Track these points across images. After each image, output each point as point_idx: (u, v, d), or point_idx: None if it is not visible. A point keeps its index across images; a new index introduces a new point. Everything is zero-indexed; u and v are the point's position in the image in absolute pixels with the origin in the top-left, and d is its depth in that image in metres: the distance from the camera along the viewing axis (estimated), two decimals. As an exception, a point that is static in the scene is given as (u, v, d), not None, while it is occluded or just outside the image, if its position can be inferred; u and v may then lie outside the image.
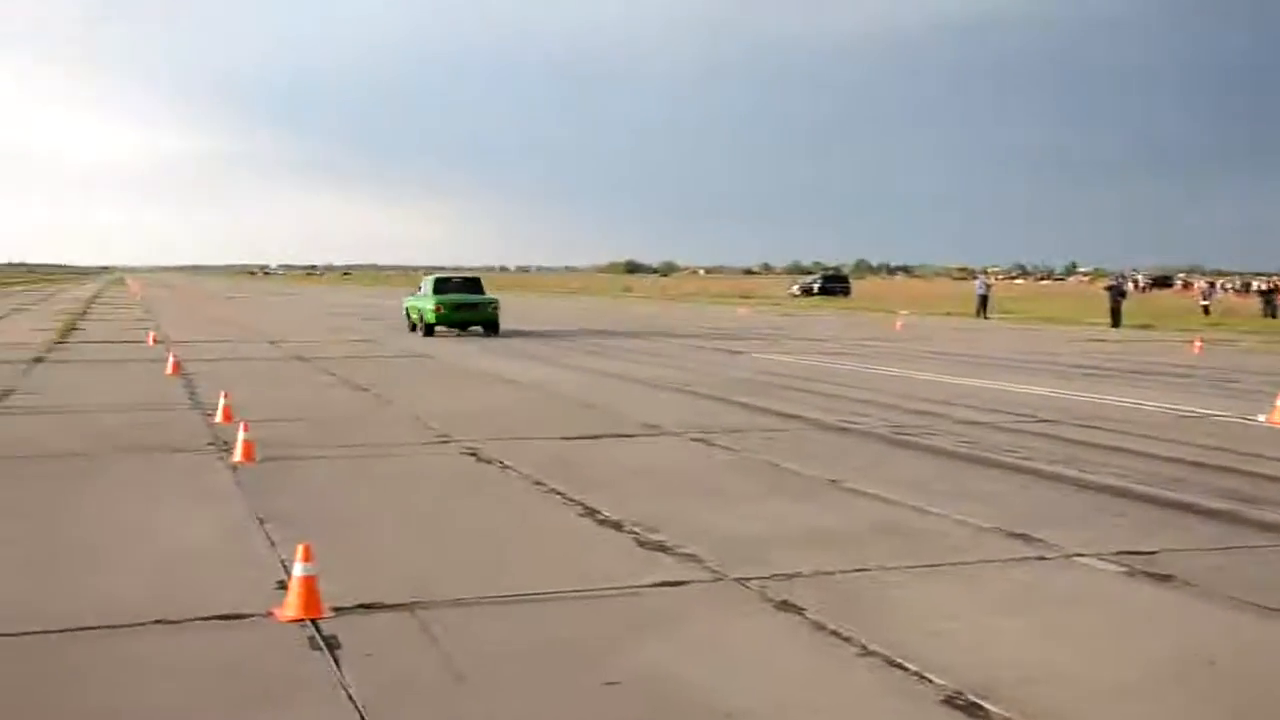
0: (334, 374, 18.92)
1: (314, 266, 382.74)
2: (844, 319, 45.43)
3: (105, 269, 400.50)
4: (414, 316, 30.62)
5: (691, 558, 7.04)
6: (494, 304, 30.11)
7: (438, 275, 30.91)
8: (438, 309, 29.09)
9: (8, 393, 15.53)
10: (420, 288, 30.64)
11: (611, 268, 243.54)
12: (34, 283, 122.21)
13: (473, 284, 31.04)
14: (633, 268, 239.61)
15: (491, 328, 29.64)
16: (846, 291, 77.96)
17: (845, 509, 8.56)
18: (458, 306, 29.52)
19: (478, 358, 22.75)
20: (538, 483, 9.46)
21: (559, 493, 9.04)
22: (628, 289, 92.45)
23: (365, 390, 16.45)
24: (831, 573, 6.72)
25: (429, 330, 29.10)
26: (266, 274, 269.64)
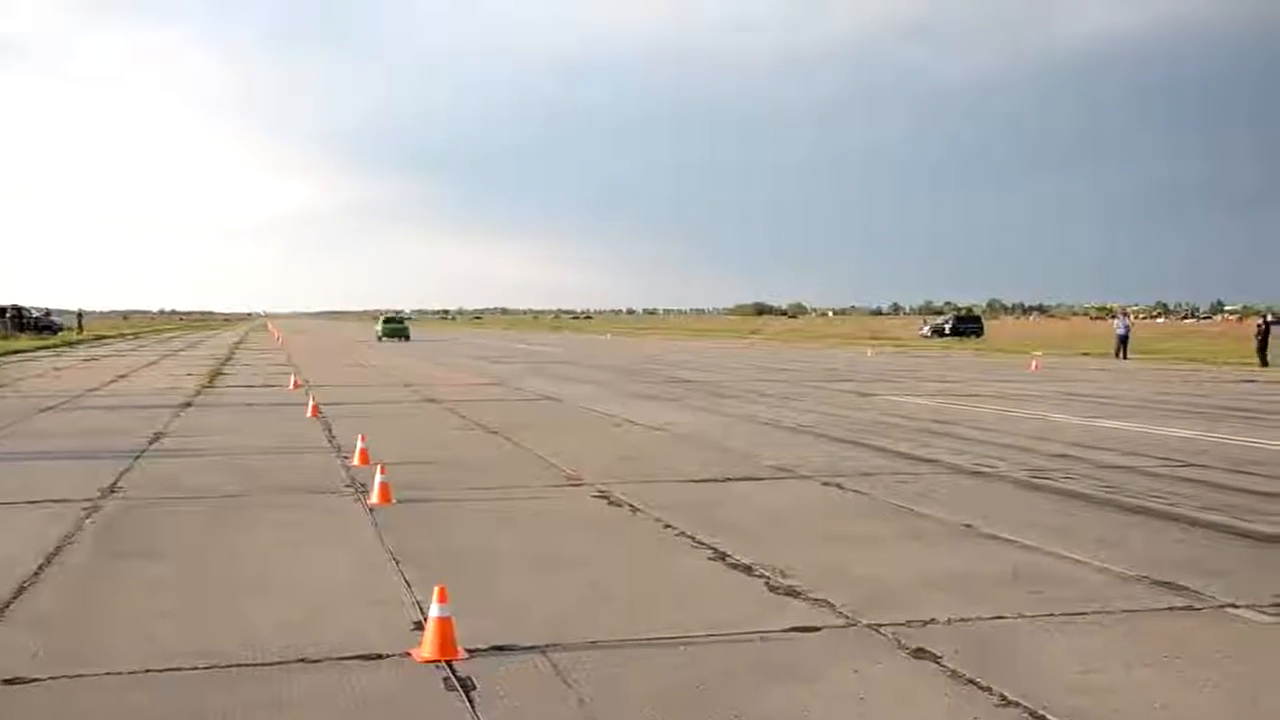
0: (465, 416, 19.25)
1: (446, 311, 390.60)
2: (977, 360, 44.55)
3: (249, 315, 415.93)
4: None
5: (823, 602, 6.96)
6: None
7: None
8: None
9: (159, 436, 16.19)
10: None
11: (739, 310, 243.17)
12: (182, 329, 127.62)
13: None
14: (761, 310, 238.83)
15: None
16: (979, 332, 76.48)
17: (981, 554, 8.36)
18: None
19: (606, 401, 22.92)
20: (668, 525, 9.47)
21: (689, 536, 9.04)
22: (755, 331, 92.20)
23: (496, 433, 16.69)
24: (968, 619, 6.56)
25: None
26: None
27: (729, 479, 12.15)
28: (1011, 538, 8.93)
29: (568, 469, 12.83)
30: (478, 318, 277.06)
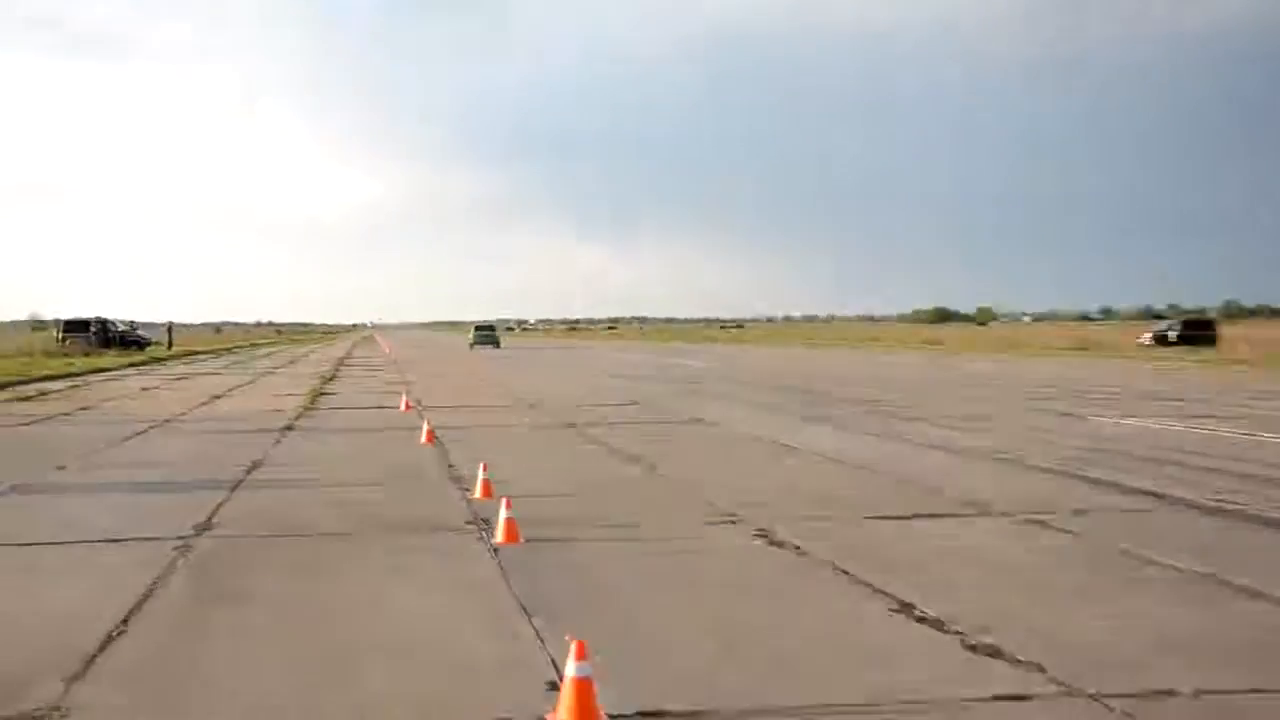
0: (602, 442, 19.36)
1: (576, 321, 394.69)
2: (1211, 374, 43.02)
3: (353, 327, 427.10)
4: None
5: (1033, 665, 6.76)
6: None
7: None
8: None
9: (257, 464, 16.68)
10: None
11: (918, 316, 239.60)
12: (280, 343, 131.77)
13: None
14: (943, 315, 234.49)
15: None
16: (1212, 340, 73.93)
17: (1228, 610, 8.02)
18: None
19: (765, 424, 22.81)
20: (840, 570, 9.35)
21: (866, 583, 8.91)
22: (935, 341, 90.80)
23: (637, 460, 16.74)
24: (1216, 692, 6.28)
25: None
26: (524, 329, 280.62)
27: (913, 516, 11.95)
28: (1265, 590, 8.55)
29: (722, 503, 12.78)
30: (611, 327, 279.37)
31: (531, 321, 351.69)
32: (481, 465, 14.14)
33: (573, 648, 5.93)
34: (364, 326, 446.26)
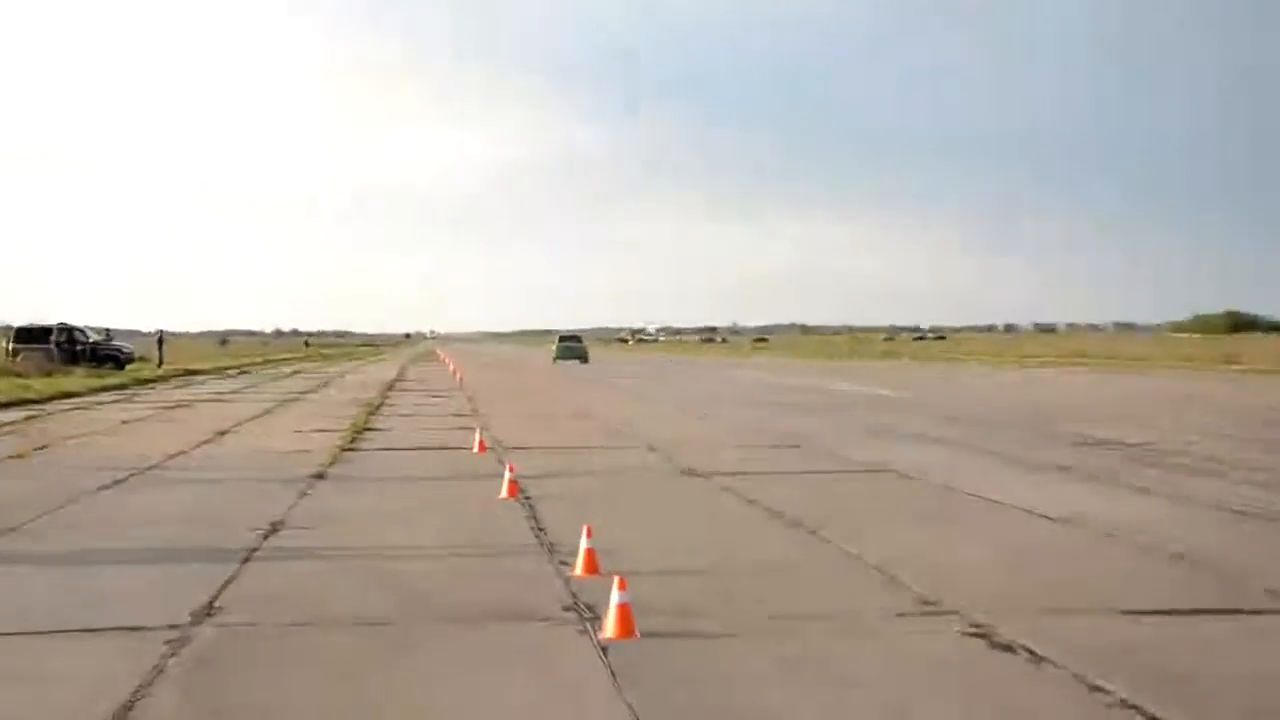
0: (749, 499, 19.24)
1: (712, 329, 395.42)
2: None
3: (407, 337, 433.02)
4: None
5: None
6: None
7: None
8: None
9: (276, 527, 16.81)
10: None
11: (1201, 323, 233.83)
12: (308, 358, 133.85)
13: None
14: (1238, 323, 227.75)
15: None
16: None
17: None
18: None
19: (971, 473, 22.56)
20: (1096, 688, 9.17)
21: (1136, 707, 8.73)
22: (1230, 359, 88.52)
23: (796, 524, 16.60)
24: None
25: None
26: (640, 340, 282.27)
27: (1196, 612, 11.65)
28: None
29: (918, 586, 12.59)
30: (761, 339, 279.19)
31: (650, 330, 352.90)
32: (584, 530, 14.10)
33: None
34: (421, 336, 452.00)
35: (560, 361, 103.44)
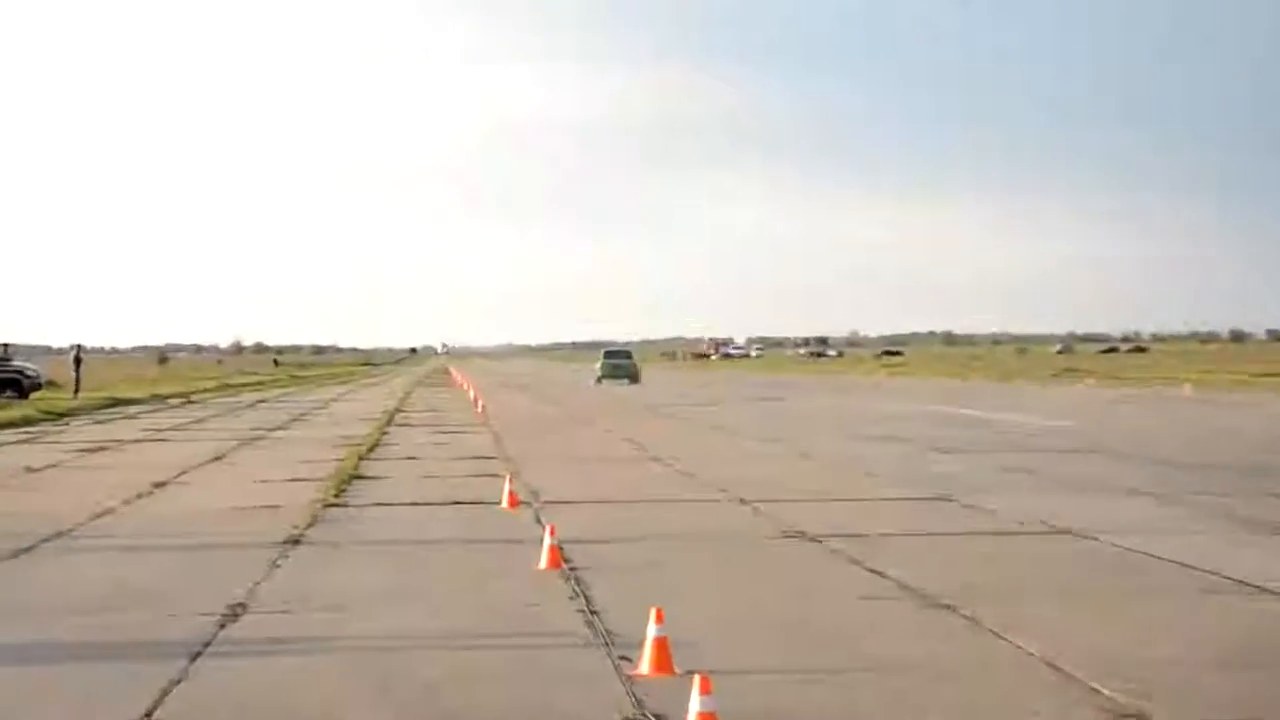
0: (878, 570, 19.19)
1: (823, 341, 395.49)
2: None
3: (413, 353, 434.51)
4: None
5: None
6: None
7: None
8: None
9: (237, 611, 16.78)
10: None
11: None
12: (279, 382, 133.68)
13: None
14: None
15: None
16: None
17: None
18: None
19: (1176, 535, 22.46)
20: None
21: None
22: None
23: (950, 608, 16.53)
24: None
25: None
26: (726, 354, 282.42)
27: None
28: None
29: (1120, 694, 12.56)
30: (892, 352, 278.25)
31: (740, 344, 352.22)
32: (652, 613, 14.07)
33: None
34: (429, 352, 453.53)
35: (606, 382, 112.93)
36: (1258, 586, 17.71)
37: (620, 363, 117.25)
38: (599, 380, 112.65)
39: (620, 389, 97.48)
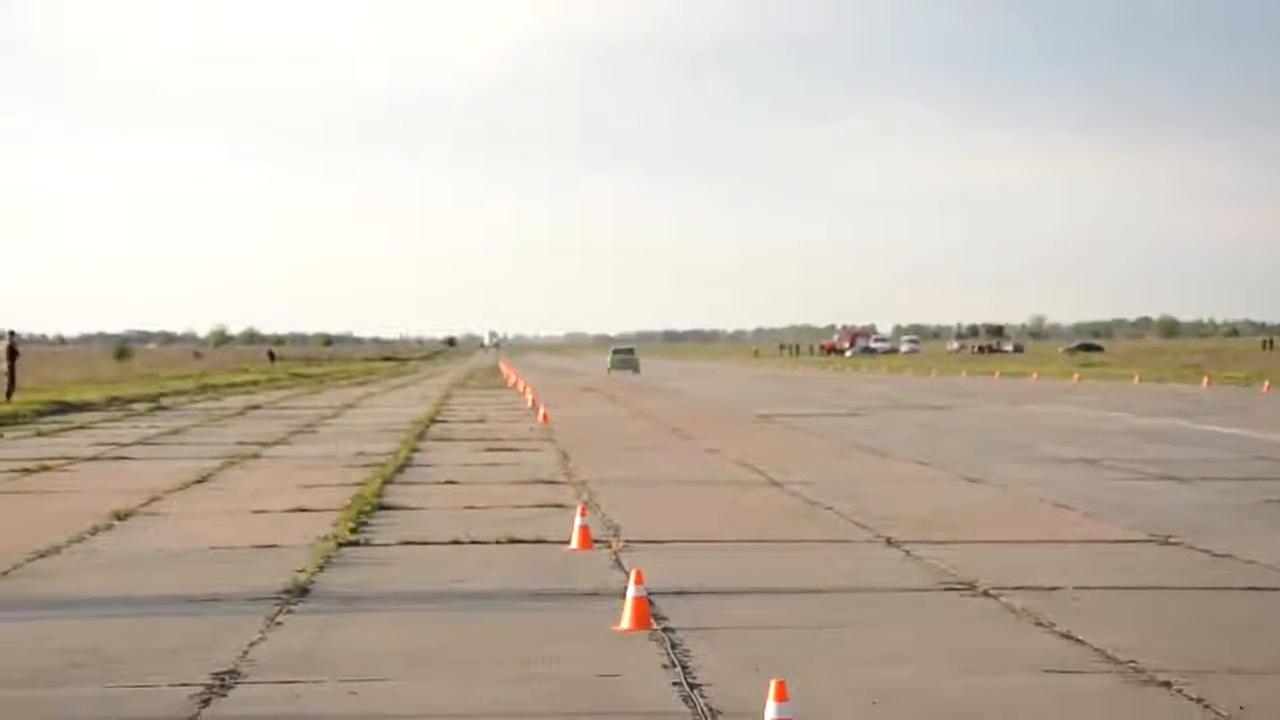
0: (1063, 632, 19.19)
1: (998, 331, 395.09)
2: None
3: (452, 344, 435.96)
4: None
5: None
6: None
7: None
8: None
9: (226, 682, 16.85)
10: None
11: None
12: (278, 381, 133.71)
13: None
14: None
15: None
16: None
17: None
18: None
19: None
20: None
21: None
22: None
23: (1173, 689, 16.51)
24: None
25: None
26: (867, 350, 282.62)
27: None
28: None
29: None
30: (1091, 346, 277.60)
31: (879, 335, 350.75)
32: (772, 687, 14.12)
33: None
34: (474, 344, 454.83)
35: (614, 372, 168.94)
36: None
37: (625, 357, 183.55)
38: (609, 370, 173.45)
39: (730, 392, 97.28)
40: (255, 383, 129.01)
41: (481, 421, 68.75)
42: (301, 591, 22.79)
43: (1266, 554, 25.82)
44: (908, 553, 26.17)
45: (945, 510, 32.46)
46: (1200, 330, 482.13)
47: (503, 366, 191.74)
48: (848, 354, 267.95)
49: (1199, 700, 15.88)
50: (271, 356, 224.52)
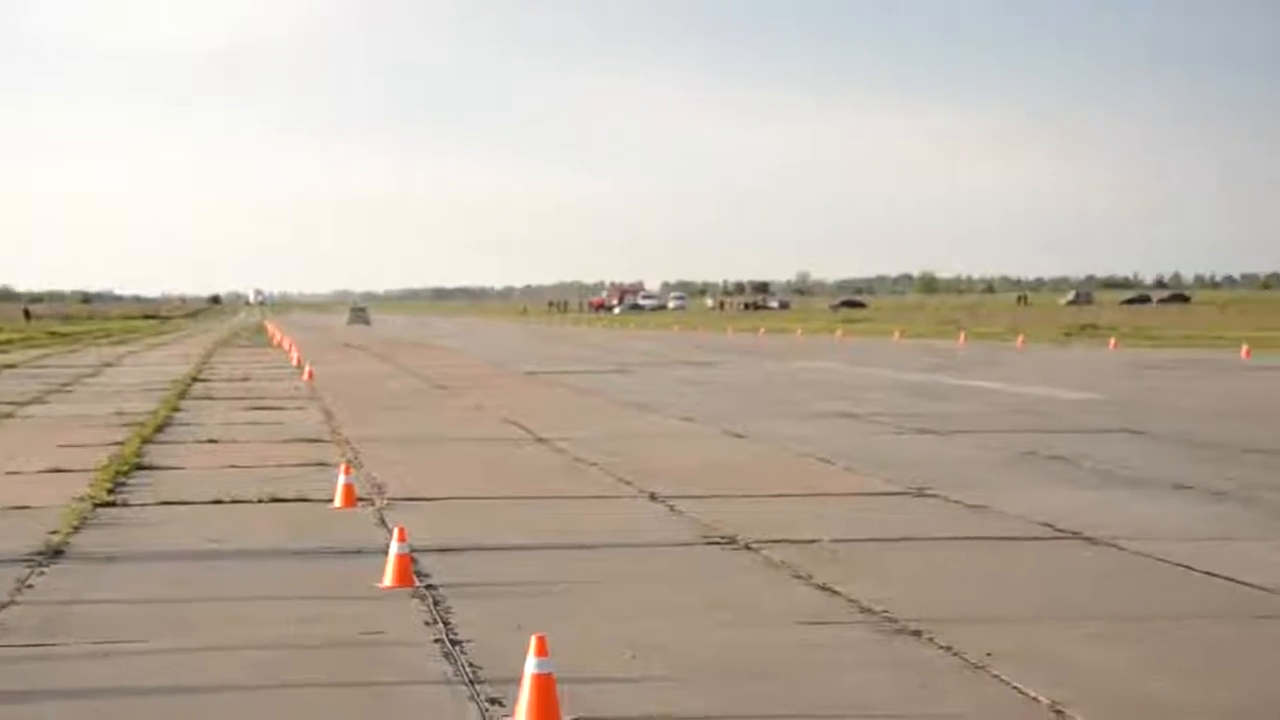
0: (823, 584, 19.37)
1: (762, 289, 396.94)
2: None
3: (216, 301, 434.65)
4: None
5: None
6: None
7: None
8: None
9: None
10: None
11: None
12: (32, 339, 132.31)
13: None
14: None
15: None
16: None
17: None
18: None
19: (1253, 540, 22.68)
20: None
21: None
22: None
23: (924, 637, 16.71)
24: None
25: None
26: (635, 306, 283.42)
27: None
28: None
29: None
30: (854, 303, 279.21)
31: (656, 296, 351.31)
32: (533, 642, 14.19)
33: None
34: (239, 302, 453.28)
35: (351, 325, 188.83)
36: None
37: (359, 313, 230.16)
38: (347, 324, 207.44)
39: (498, 349, 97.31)
40: (10, 342, 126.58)
41: (245, 380, 68.60)
42: (54, 553, 22.60)
43: (1019, 505, 26.33)
44: (671, 507, 26.35)
45: (709, 465, 32.65)
46: (959, 287, 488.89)
47: (268, 325, 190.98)
48: (616, 311, 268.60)
49: (948, 649, 16.19)
50: (27, 315, 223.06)
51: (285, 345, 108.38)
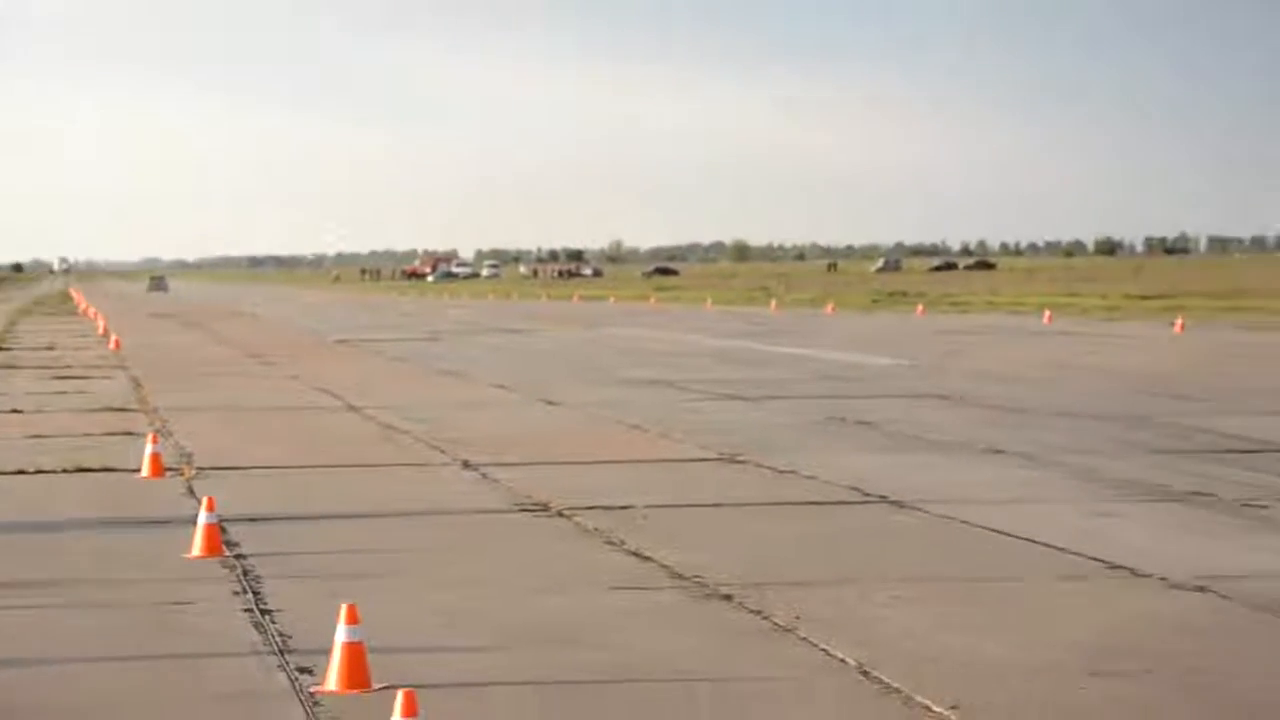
0: (633, 551, 19.33)
1: (576, 257, 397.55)
2: None
3: (18, 270, 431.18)
4: None
5: None
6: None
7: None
8: None
9: None
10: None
11: None
12: None
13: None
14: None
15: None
16: None
17: None
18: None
19: (1042, 501, 22.80)
20: None
21: None
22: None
23: (734, 601, 16.72)
24: None
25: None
26: (449, 274, 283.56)
27: None
28: None
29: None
30: (666, 270, 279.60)
31: (467, 258, 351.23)
32: (343, 610, 14.10)
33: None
34: (43, 271, 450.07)
35: (151, 292, 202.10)
36: (1129, 569, 18.21)
37: (158, 281, 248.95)
38: (148, 291, 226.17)
39: (311, 318, 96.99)
40: None
41: (50, 349, 67.84)
42: None
43: (826, 469, 26.46)
44: (484, 475, 26.30)
45: (523, 433, 32.64)
46: (770, 254, 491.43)
47: (73, 293, 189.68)
48: (430, 279, 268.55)
49: (758, 612, 16.22)
50: None
51: (91, 314, 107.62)
